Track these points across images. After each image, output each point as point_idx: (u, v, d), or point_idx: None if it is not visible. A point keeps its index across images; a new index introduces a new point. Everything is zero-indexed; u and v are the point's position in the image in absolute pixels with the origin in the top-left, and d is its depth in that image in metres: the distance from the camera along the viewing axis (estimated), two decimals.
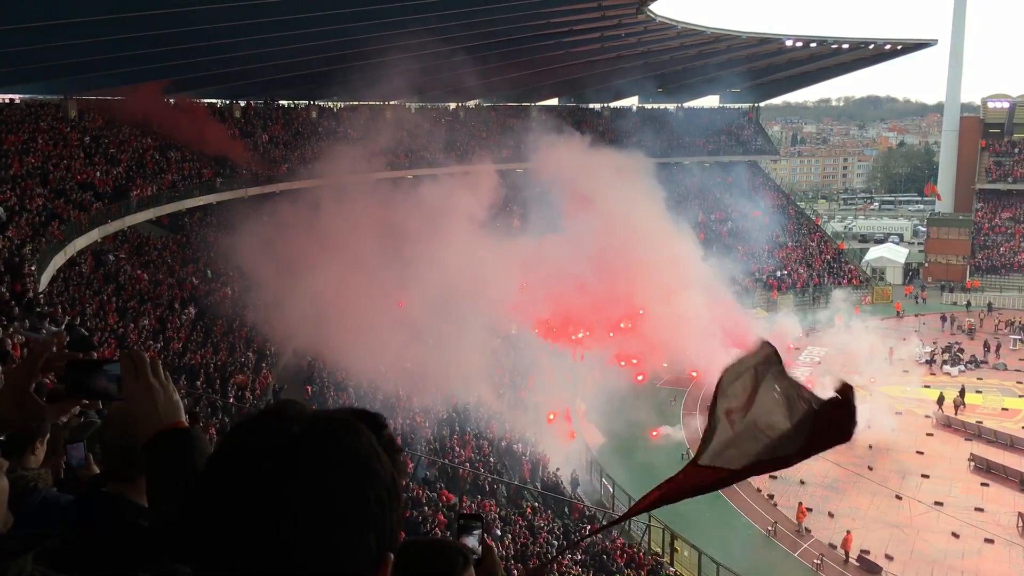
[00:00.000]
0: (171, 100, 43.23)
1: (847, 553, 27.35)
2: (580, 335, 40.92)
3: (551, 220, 41.69)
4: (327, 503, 1.08)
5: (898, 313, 57.81)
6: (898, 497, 31.45)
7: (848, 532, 27.96)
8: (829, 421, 2.33)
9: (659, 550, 27.49)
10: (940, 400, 39.41)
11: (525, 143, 49.78)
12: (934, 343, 49.97)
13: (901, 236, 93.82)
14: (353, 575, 1.09)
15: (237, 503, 1.07)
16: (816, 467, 34.31)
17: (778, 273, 62.82)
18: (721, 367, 2.49)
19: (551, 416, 36.32)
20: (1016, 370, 46.33)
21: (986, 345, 49.18)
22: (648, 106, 76.54)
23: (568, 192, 42.73)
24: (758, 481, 33.21)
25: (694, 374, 41.48)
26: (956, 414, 38.92)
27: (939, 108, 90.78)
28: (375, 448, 1.15)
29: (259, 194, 42.74)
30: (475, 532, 2.81)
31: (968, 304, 60.14)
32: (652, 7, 48.68)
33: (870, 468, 33.77)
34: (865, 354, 44.80)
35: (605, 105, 73.56)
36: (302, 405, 1.20)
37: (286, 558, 1.05)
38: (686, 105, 77.91)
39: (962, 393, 40.16)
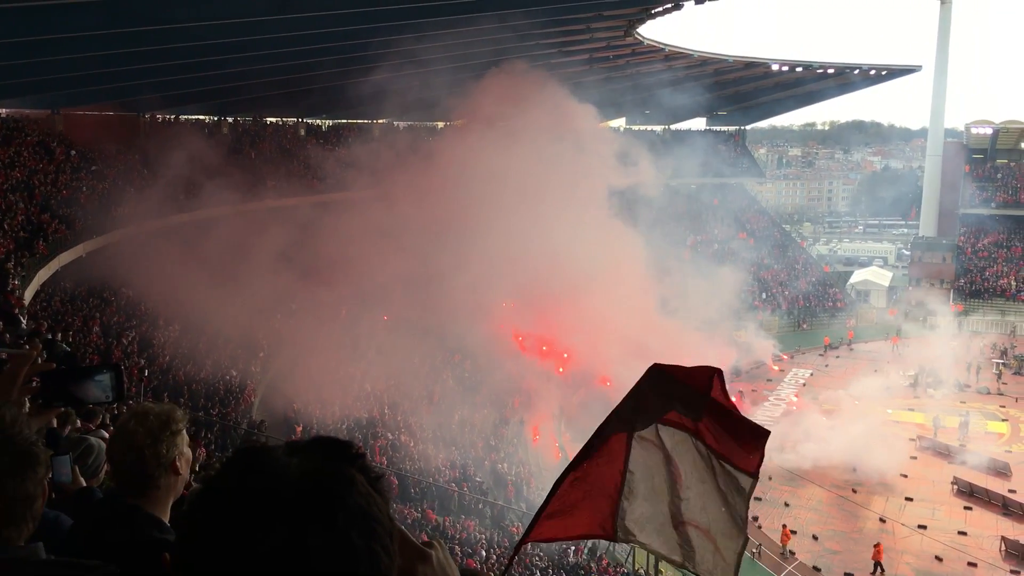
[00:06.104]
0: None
1: (878, 564, 27.20)
2: (564, 356, 40.76)
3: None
4: (346, 565, 1.03)
5: (895, 347, 56.76)
6: (882, 520, 31.48)
7: (879, 544, 27.69)
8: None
9: (643, 571, 27.37)
10: (935, 423, 39.53)
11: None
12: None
13: (885, 259, 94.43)
14: None
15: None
16: (801, 489, 34.36)
17: (763, 295, 63.08)
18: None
19: (536, 435, 36.17)
20: (999, 394, 46.61)
21: (969, 368, 49.37)
22: (635, 127, 76.94)
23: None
24: None
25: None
26: (958, 440, 38.65)
27: (923, 133, 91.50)
28: (369, 492, 1.09)
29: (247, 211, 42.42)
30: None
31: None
32: (640, 30, 49.08)
33: (854, 491, 33.82)
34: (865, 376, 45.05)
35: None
36: (277, 458, 1.09)
37: None
38: (672, 127, 78.37)
39: (964, 426, 39.54)
